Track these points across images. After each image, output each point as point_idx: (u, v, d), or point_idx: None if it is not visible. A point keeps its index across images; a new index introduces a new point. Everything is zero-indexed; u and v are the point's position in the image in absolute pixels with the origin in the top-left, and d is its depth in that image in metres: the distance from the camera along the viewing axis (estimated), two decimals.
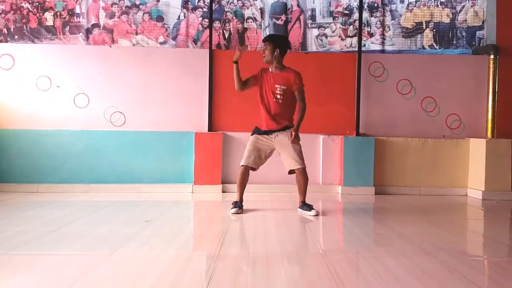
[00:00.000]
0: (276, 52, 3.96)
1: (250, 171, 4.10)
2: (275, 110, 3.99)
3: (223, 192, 5.14)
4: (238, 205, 4.02)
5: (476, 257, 2.87)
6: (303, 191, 4.07)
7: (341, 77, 5.42)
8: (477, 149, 5.22)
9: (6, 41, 5.28)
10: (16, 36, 5.31)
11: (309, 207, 4.01)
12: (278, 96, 3.97)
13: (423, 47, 5.57)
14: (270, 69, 4.04)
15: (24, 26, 5.32)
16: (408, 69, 5.46)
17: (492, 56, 5.30)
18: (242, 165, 4.04)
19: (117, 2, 5.38)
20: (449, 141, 5.39)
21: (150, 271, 2.35)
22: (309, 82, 5.37)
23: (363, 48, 5.45)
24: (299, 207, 4.10)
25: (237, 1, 5.46)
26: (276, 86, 3.96)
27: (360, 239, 3.18)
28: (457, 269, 2.43)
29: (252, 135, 4.09)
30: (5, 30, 5.30)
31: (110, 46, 5.34)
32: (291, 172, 4.08)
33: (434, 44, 5.57)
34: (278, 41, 4.01)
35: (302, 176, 4.03)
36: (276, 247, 2.89)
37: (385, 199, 4.96)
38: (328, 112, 5.39)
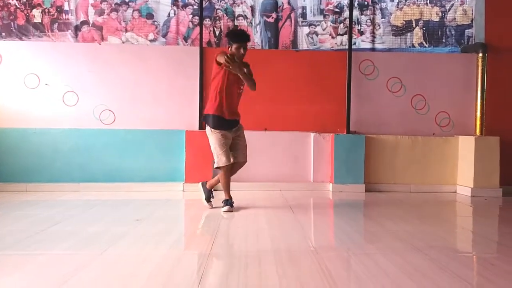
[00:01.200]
0: (236, 46, 3.91)
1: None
2: (236, 101, 4.01)
3: (214, 190, 5.11)
4: (230, 203, 4.00)
5: (466, 253, 2.91)
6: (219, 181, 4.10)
7: (332, 75, 5.43)
8: (466, 147, 5.27)
9: None
10: (3, 34, 5.23)
11: (210, 195, 4.15)
12: (242, 88, 4.00)
13: (413, 45, 5.60)
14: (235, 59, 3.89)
15: (12, 23, 5.25)
16: (398, 67, 5.49)
17: (480, 54, 5.35)
18: (226, 165, 3.92)
19: None
20: (438, 139, 5.44)
21: (141, 270, 2.34)
22: (300, 80, 5.41)
23: (353, 46, 5.47)
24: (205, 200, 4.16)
25: None
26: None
27: (351, 236, 3.19)
28: (447, 266, 2.46)
29: (214, 128, 3.92)
30: None
31: (100, 44, 5.29)
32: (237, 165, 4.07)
33: (424, 42, 5.60)
34: (232, 37, 3.98)
35: (238, 169, 4.08)
36: (268, 245, 2.89)
37: (376, 197, 4.99)
38: (319, 110, 5.41)
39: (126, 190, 5.01)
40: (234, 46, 3.91)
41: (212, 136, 3.94)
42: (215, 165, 3.98)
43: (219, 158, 3.92)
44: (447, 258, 2.61)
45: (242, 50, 3.90)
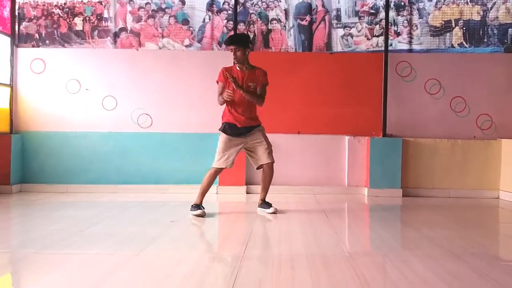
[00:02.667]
0: (247, 53, 3.95)
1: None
2: (246, 107, 3.95)
3: (247, 193, 5.14)
4: (202, 207, 3.89)
5: (509, 261, 2.77)
6: (266, 188, 4.07)
7: (367, 77, 5.34)
8: (509, 150, 5.04)
9: (38, 46, 5.45)
10: (47, 41, 5.47)
11: (268, 205, 4.04)
12: (251, 87, 3.95)
13: (452, 46, 5.42)
14: (238, 67, 3.99)
15: (55, 31, 5.48)
16: (437, 68, 5.33)
17: None
18: (217, 168, 3.94)
19: (144, 6, 5.47)
20: (479, 142, 5.23)
21: (175, 272, 2.37)
22: (334, 82, 5.35)
23: (390, 48, 5.36)
24: (259, 206, 4.09)
25: (262, 3, 5.47)
26: (250, 84, 3.92)
27: (387, 242, 3.11)
28: (489, 274, 2.35)
29: (222, 131, 3.96)
30: (36, 35, 5.47)
31: (137, 50, 5.43)
32: (259, 167, 4.05)
33: (464, 43, 5.42)
34: (247, 42, 3.98)
35: (270, 171, 4.02)
36: (301, 249, 2.86)
37: (413, 202, 4.85)
38: (353, 113, 5.32)
39: (162, 192, 5.11)
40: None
41: (220, 137, 3.99)
42: (212, 164, 3.96)
43: (216, 158, 3.94)
44: (488, 266, 2.50)
45: (236, 53, 3.90)
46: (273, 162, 4.02)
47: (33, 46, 5.44)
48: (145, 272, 2.38)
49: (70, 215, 3.85)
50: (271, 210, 4.01)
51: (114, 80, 5.35)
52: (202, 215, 3.81)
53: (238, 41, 3.95)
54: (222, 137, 3.97)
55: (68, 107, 5.33)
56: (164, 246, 2.88)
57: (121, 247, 2.84)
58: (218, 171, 3.98)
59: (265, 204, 4.07)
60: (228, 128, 3.94)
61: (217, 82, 4.01)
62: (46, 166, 5.23)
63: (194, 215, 3.82)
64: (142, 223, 3.60)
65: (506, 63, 5.28)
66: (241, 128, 3.94)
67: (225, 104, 3.98)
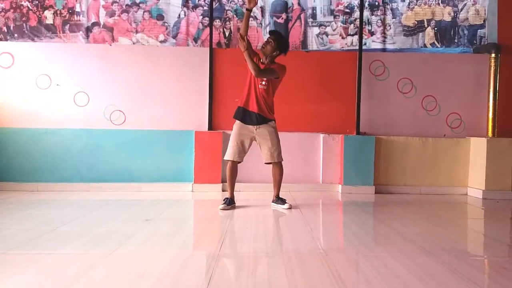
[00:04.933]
0: (275, 53, 4.12)
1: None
2: (260, 94, 4.10)
3: (223, 191, 5.12)
4: (227, 201, 4.11)
5: (477, 256, 2.87)
6: (278, 184, 4.25)
7: (342, 76, 5.40)
8: (477, 148, 5.21)
9: (6, 40, 5.27)
10: (16, 35, 5.30)
11: (282, 201, 4.19)
12: (264, 83, 4.09)
13: (425, 46, 5.55)
14: (261, 59, 4.16)
15: (24, 25, 5.30)
16: (409, 67, 5.44)
17: (493, 55, 5.29)
18: (230, 160, 4.14)
19: (117, 1, 5.36)
20: (449, 140, 5.38)
21: (150, 270, 2.34)
22: (309, 81, 5.39)
23: (364, 47, 5.44)
24: (273, 201, 4.25)
25: (238, 0, 5.45)
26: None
27: (361, 238, 3.17)
28: (458, 269, 2.42)
29: (234, 117, 4.14)
30: (4, 29, 5.28)
31: (110, 45, 5.32)
32: (268, 163, 4.22)
33: (436, 43, 5.55)
34: (283, 45, 4.14)
35: (279, 169, 4.20)
36: (276, 246, 2.88)
37: (385, 198, 4.95)
38: (328, 111, 5.38)
39: (136, 190, 5.04)
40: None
41: (233, 128, 4.16)
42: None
43: (227, 150, 4.16)
44: (458, 261, 2.58)
45: (267, 44, 4.10)
46: (276, 162, 4.17)
47: (0, 40, 5.26)
48: (119, 271, 2.34)
49: (40, 214, 3.75)
50: (286, 206, 4.14)
51: (86, 76, 5.23)
52: (227, 209, 4.02)
53: (277, 37, 4.11)
54: (236, 126, 4.13)
55: (38, 103, 5.18)
56: (138, 245, 2.84)
57: (93, 246, 2.79)
58: (232, 164, 4.14)
59: (279, 200, 4.23)
60: (239, 113, 4.10)
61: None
62: (14, 164, 5.07)
63: (220, 209, 4.02)
64: (116, 221, 3.54)
65: (475, 63, 5.44)
66: (254, 113, 4.07)
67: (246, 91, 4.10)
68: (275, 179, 4.26)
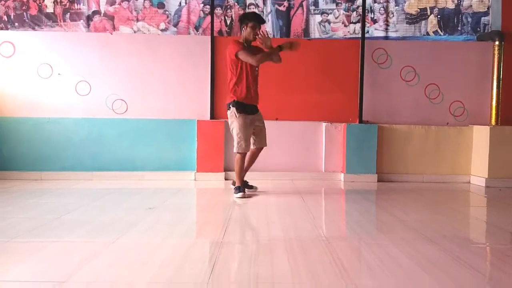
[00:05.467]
0: (252, 28, 4.09)
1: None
2: (254, 84, 4.13)
3: (225, 179, 5.12)
4: (243, 189, 4.10)
5: (479, 244, 2.88)
6: (249, 168, 4.33)
7: (344, 64, 5.37)
8: (480, 136, 5.19)
9: (7, 29, 5.24)
10: (16, 24, 5.27)
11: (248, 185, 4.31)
12: (257, 69, 4.14)
13: (428, 34, 5.50)
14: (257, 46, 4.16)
15: (24, 13, 5.27)
16: (412, 55, 5.40)
17: (497, 43, 5.23)
18: (241, 152, 4.09)
19: None
20: (452, 129, 5.36)
21: (153, 258, 2.36)
22: (312, 69, 5.36)
23: (366, 35, 5.39)
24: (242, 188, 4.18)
25: None
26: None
27: (363, 226, 3.17)
28: (460, 256, 2.43)
29: (238, 112, 4.03)
30: (5, 18, 5.25)
31: (111, 33, 5.29)
32: (256, 148, 4.28)
33: (439, 30, 5.50)
34: (245, 18, 4.15)
35: (258, 154, 4.31)
36: (279, 234, 2.89)
37: (388, 187, 4.95)
38: (331, 100, 5.36)
39: (138, 179, 5.05)
40: (249, 25, 4.04)
41: (236, 121, 4.05)
42: (235, 150, 4.10)
43: (239, 144, 4.06)
44: (460, 248, 2.58)
45: (256, 31, 4.04)
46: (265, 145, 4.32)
47: (1, 29, 5.23)
48: (122, 259, 2.36)
49: (44, 202, 3.77)
50: (239, 195, 4.07)
51: (88, 65, 5.21)
52: (245, 197, 4.02)
53: (240, 20, 4.21)
54: (240, 118, 4.03)
55: (40, 92, 5.17)
56: (141, 233, 2.86)
57: (97, 235, 2.80)
58: (244, 155, 4.14)
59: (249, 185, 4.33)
60: (246, 108, 4.06)
61: (236, 55, 3.97)
62: (17, 153, 5.08)
63: (237, 197, 4.01)
64: (119, 210, 3.55)
65: (478, 51, 5.40)
66: (254, 105, 4.14)
67: (235, 82, 4.04)
68: (252, 162, 4.31)
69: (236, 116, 4.03)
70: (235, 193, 4.06)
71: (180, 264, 2.27)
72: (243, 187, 4.12)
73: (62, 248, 2.52)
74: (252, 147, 4.22)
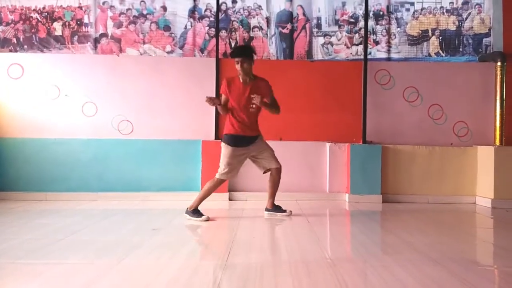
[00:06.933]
0: (252, 64, 3.96)
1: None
2: (249, 118, 4.00)
3: (229, 200, 5.13)
4: (199, 213, 3.99)
5: (486, 266, 2.84)
6: (274, 192, 4.19)
7: (347, 85, 5.42)
8: (485, 157, 5.18)
9: (16, 51, 5.35)
10: (25, 46, 5.38)
11: (280, 208, 4.18)
12: (254, 106, 3.97)
13: (429, 55, 5.56)
14: (240, 79, 3.97)
15: (33, 36, 5.39)
16: (415, 76, 5.45)
17: (499, 63, 5.28)
18: (221, 179, 4.00)
19: (125, 12, 5.44)
20: (456, 149, 5.35)
21: (157, 281, 2.35)
22: (315, 90, 5.41)
23: (369, 56, 5.46)
24: (270, 210, 4.18)
25: (243, 10, 5.50)
26: (252, 96, 3.91)
27: (368, 247, 3.15)
28: (467, 279, 2.40)
29: (227, 144, 3.97)
30: (14, 40, 5.37)
31: (118, 55, 5.39)
32: (266, 171, 4.16)
33: (441, 52, 5.56)
34: (251, 54, 3.96)
35: (278, 176, 4.14)
36: (284, 256, 2.87)
37: (393, 207, 4.93)
38: (334, 120, 5.39)
39: (143, 200, 5.05)
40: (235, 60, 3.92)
41: (224, 149, 4.00)
42: (216, 175, 4.01)
43: (221, 169, 3.98)
44: (466, 271, 2.56)
45: (243, 65, 3.87)
46: (279, 166, 4.14)
47: (10, 51, 5.35)
48: (126, 281, 2.35)
49: (48, 223, 3.77)
50: (286, 213, 4.15)
51: (94, 86, 5.29)
52: (207, 220, 3.93)
53: (245, 53, 3.92)
54: (227, 149, 3.97)
55: (47, 113, 5.24)
56: (145, 255, 2.85)
57: (101, 256, 2.80)
58: (221, 182, 4.04)
59: (277, 207, 4.21)
60: (232, 140, 3.96)
61: (220, 94, 4.00)
62: (23, 174, 5.12)
63: (200, 221, 3.91)
64: (123, 231, 3.55)
65: (481, 72, 5.44)
66: (246, 137, 3.99)
67: (227, 114, 4.01)
68: (274, 185, 4.16)
69: (225, 146, 3.99)
70: (195, 217, 3.94)
71: (184, 287, 2.26)
72: (197, 210, 3.99)
73: (66, 270, 2.52)
74: (262, 172, 4.17)
